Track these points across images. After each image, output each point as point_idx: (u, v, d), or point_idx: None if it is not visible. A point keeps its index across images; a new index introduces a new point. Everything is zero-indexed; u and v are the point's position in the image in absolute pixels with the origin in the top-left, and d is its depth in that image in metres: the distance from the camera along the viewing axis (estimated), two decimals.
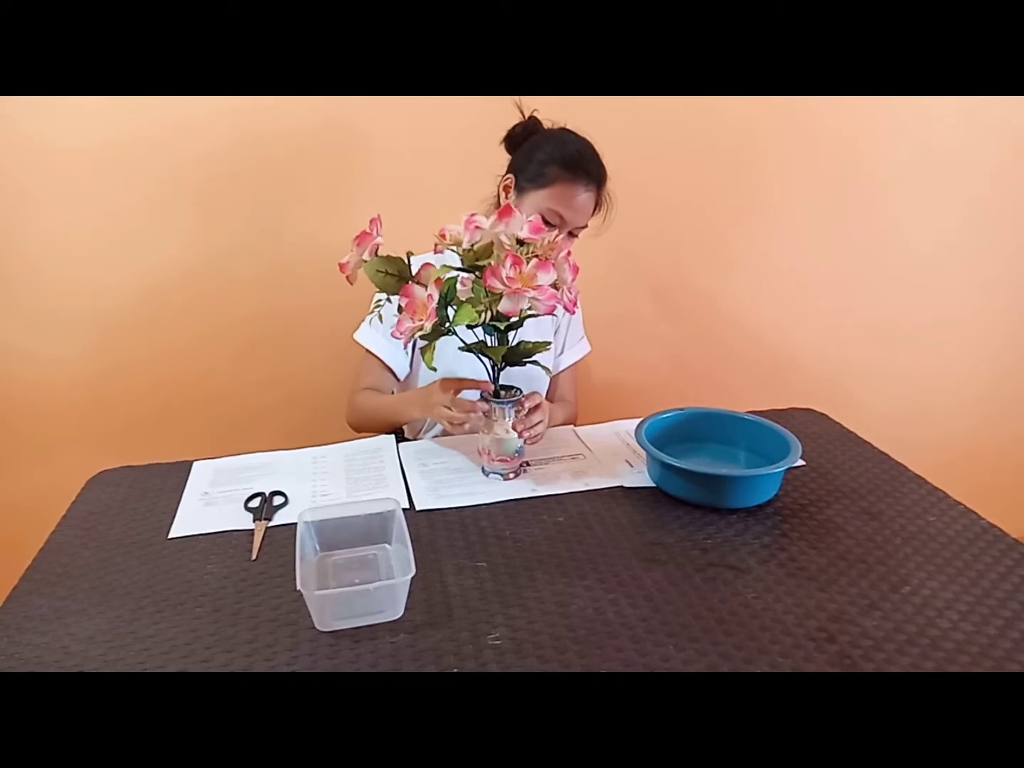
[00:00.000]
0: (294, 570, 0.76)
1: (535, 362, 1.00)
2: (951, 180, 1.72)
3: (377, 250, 0.94)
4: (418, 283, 0.93)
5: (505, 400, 1.02)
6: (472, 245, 0.93)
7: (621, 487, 1.02)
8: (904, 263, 1.78)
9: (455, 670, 0.70)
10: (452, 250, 0.95)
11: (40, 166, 1.36)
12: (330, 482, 1.04)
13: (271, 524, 0.94)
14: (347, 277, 0.96)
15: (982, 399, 1.94)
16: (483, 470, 1.06)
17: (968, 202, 1.75)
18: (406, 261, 0.95)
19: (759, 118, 1.58)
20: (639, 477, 1.03)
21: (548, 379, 1.33)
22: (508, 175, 1.21)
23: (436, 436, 1.24)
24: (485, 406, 1.02)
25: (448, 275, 0.92)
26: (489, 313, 0.92)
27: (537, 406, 1.07)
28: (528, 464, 1.07)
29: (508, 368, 1.02)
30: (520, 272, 0.89)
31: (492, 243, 0.92)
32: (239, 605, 0.80)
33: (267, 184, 1.46)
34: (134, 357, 1.51)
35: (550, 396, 1.38)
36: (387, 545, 0.88)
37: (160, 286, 1.48)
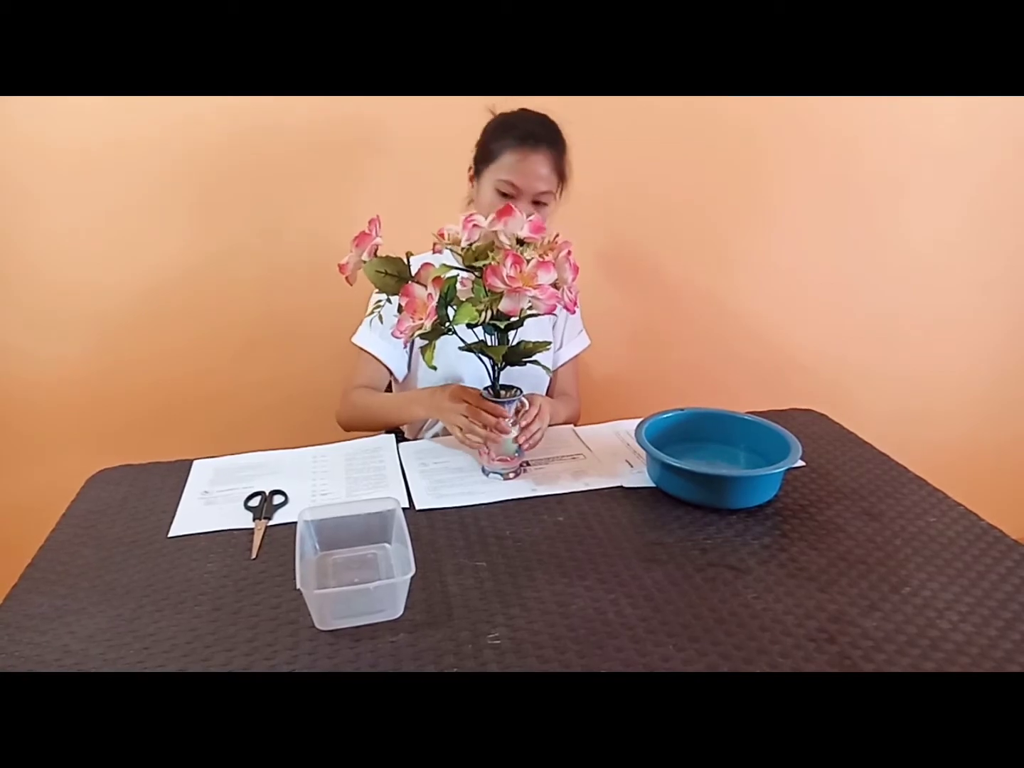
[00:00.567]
0: (294, 569, 0.77)
1: (535, 362, 1.00)
2: (951, 180, 1.72)
3: (376, 250, 0.94)
4: (418, 283, 0.93)
5: (505, 400, 1.02)
6: (470, 244, 0.92)
7: (621, 487, 1.02)
8: (904, 263, 1.78)
9: (455, 670, 0.70)
10: (451, 250, 0.95)
11: (40, 166, 1.36)
12: (330, 481, 1.04)
13: (271, 523, 0.94)
14: (347, 278, 0.96)
15: (982, 399, 1.94)
16: (483, 470, 1.05)
17: (968, 202, 1.75)
18: (405, 261, 0.95)
19: (759, 118, 1.58)
20: (639, 477, 1.03)
21: (548, 378, 1.32)
22: (470, 167, 1.23)
23: (436, 435, 1.24)
24: (504, 420, 1.01)
25: (448, 274, 0.92)
26: (489, 312, 0.92)
27: (537, 415, 1.06)
28: (528, 464, 1.07)
29: (508, 367, 1.02)
30: (521, 271, 0.89)
31: (491, 242, 0.92)
32: (239, 604, 0.80)
33: (267, 184, 1.46)
34: (134, 357, 1.52)
35: (551, 391, 1.38)
36: (387, 544, 0.88)
37: (160, 286, 1.48)
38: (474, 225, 0.92)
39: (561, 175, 1.21)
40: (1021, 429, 1.97)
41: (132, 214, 1.42)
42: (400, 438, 1.18)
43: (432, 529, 0.93)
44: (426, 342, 0.93)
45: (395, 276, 0.94)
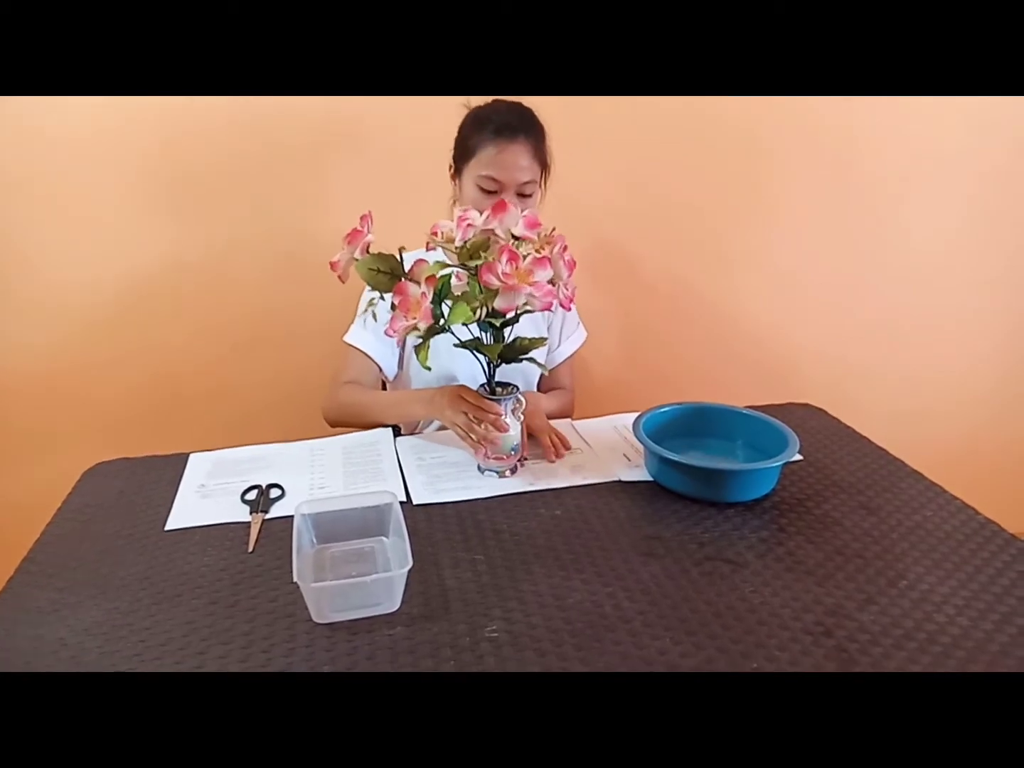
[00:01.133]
0: (291, 562, 0.76)
1: (531, 359, 1.00)
2: (951, 180, 1.72)
3: (368, 247, 0.93)
4: (411, 280, 0.92)
5: (502, 397, 1.01)
6: (465, 243, 0.91)
7: (619, 481, 1.02)
8: (904, 262, 1.78)
9: (452, 663, 0.70)
10: (444, 247, 0.93)
11: (37, 161, 1.37)
12: (327, 475, 1.04)
13: (268, 517, 0.94)
14: (339, 276, 0.95)
15: (982, 399, 1.94)
16: (479, 467, 1.05)
17: (968, 202, 1.75)
18: (398, 258, 0.94)
19: (759, 118, 1.58)
20: (637, 471, 1.03)
21: (540, 372, 1.32)
22: (451, 166, 1.22)
23: (436, 430, 1.24)
24: (499, 413, 1.00)
25: (442, 272, 0.91)
26: (484, 310, 0.91)
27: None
28: (525, 458, 1.07)
29: (503, 364, 1.01)
30: (516, 268, 0.88)
31: (487, 239, 0.91)
32: (236, 597, 0.80)
33: (262, 180, 1.46)
34: (129, 351, 1.52)
35: (544, 386, 1.38)
36: (384, 538, 0.88)
37: (155, 281, 1.48)
38: (468, 224, 0.90)
39: (543, 163, 1.19)
40: (1021, 429, 1.97)
41: (127, 209, 1.42)
42: (397, 432, 1.18)
43: (429, 523, 0.93)
44: (420, 340, 0.92)
45: (388, 273, 0.93)
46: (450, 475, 1.04)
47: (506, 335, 0.98)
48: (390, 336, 0.91)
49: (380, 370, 1.26)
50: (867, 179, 1.69)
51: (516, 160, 1.14)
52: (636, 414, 1.06)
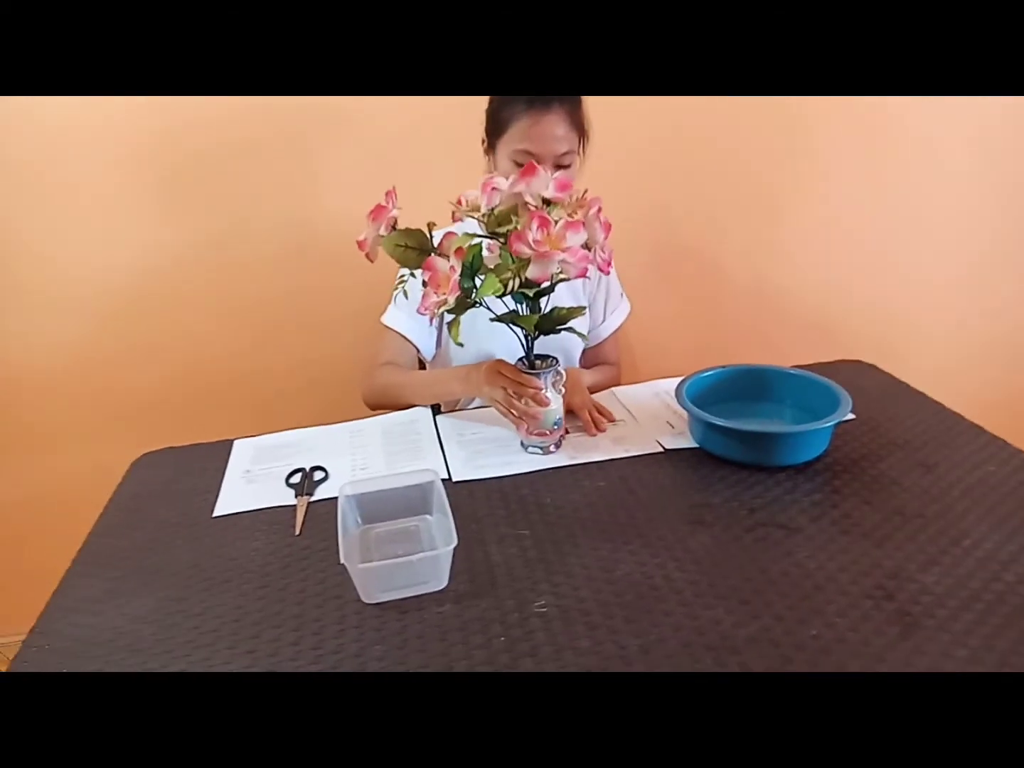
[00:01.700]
0: (337, 544, 0.76)
1: (571, 329, 0.97)
2: (994, 137, 1.65)
3: (395, 224, 0.90)
4: (441, 255, 0.88)
5: (541, 370, 0.98)
6: (492, 210, 0.87)
7: (663, 449, 0.99)
8: (945, 215, 1.70)
9: (502, 639, 0.69)
10: (471, 216, 0.89)
11: (45, 157, 1.37)
12: (368, 455, 1.04)
13: (312, 499, 0.94)
14: (367, 255, 0.91)
15: None
16: (522, 444, 1.03)
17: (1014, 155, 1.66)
18: (427, 233, 0.90)
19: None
20: (681, 439, 1.01)
21: (582, 345, 1.29)
22: (483, 140, 1.17)
23: (476, 407, 1.23)
24: (539, 385, 0.97)
25: (471, 243, 0.87)
26: (517, 280, 0.86)
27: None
28: (567, 431, 1.05)
29: (542, 337, 0.97)
30: (548, 234, 0.83)
31: (515, 206, 0.87)
32: (285, 581, 0.80)
33: (285, 162, 1.45)
34: (155, 342, 1.54)
35: (591, 362, 1.35)
36: (428, 516, 0.87)
37: (171, 271, 1.49)
38: (494, 188, 0.86)
39: (580, 130, 1.13)
40: None
41: (128, 201, 1.43)
42: (436, 410, 1.17)
43: (472, 500, 0.92)
44: (453, 317, 0.89)
45: (416, 249, 0.90)
46: (490, 451, 1.03)
47: (542, 306, 0.95)
48: (422, 314, 0.88)
49: (417, 350, 1.24)
50: (910, 136, 1.62)
51: (552, 130, 1.08)
52: (678, 379, 1.04)
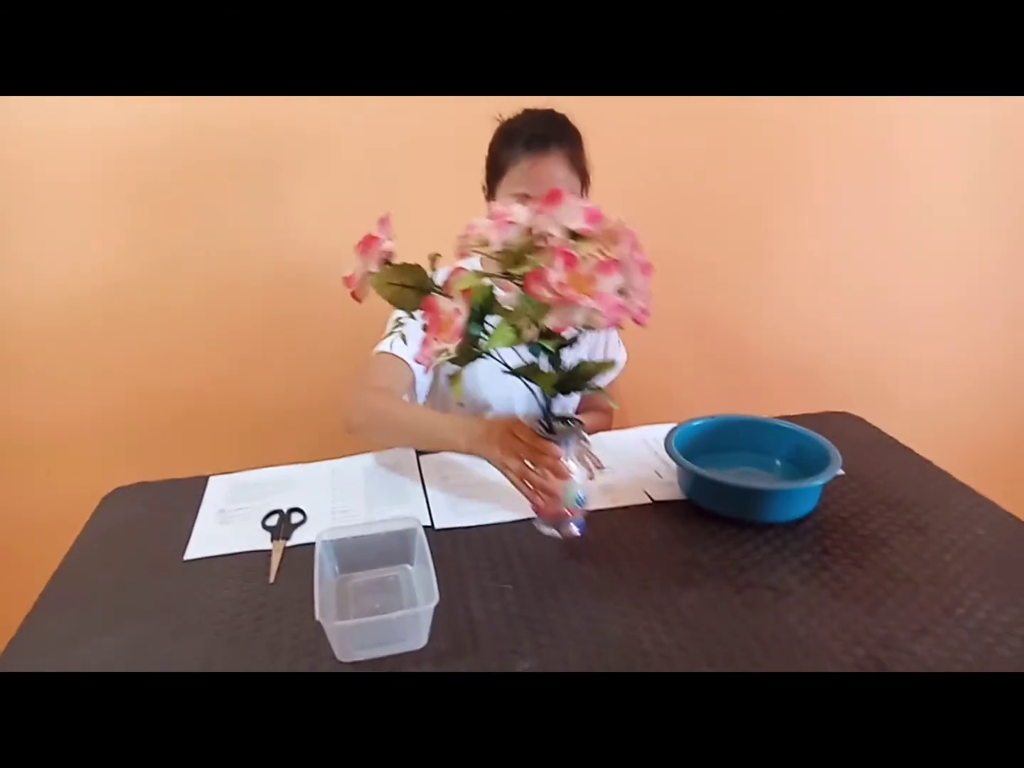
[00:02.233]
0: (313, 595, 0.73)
1: (599, 388, 0.81)
2: (981, 173, 1.66)
3: (390, 257, 0.78)
4: (444, 294, 0.75)
5: (562, 436, 0.83)
6: (505, 245, 0.74)
7: (651, 500, 0.97)
8: (933, 257, 1.72)
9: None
10: (478, 252, 0.75)
11: (44, 163, 1.35)
12: (349, 497, 1.01)
13: (289, 544, 0.91)
14: (352, 294, 0.79)
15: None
16: (534, 522, 0.90)
17: (1000, 196, 1.69)
18: (430, 267, 0.78)
19: (788, 113, 1.53)
20: (669, 489, 0.99)
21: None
22: (483, 186, 1.15)
23: None
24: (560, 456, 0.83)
25: (481, 282, 0.74)
26: (535, 328, 0.73)
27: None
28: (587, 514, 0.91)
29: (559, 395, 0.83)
30: (574, 274, 0.69)
31: (531, 241, 0.74)
32: (257, 633, 0.77)
33: (275, 185, 1.43)
34: (140, 365, 1.50)
35: (584, 407, 1.32)
36: (408, 566, 0.84)
37: (163, 286, 1.46)
38: (509, 222, 0.73)
39: (581, 172, 1.11)
40: None
41: (112, 211, 1.40)
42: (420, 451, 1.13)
43: (455, 548, 0.89)
44: (456, 369, 0.77)
45: (414, 288, 0.77)
46: (475, 495, 1.00)
47: (563, 359, 0.80)
48: (419, 363, 0.74)
49: (413, 379, 1.14)
50: (896, 176, 1.64)
51: (551, 173, 1.05)
52: (666, 426, 1.02)
